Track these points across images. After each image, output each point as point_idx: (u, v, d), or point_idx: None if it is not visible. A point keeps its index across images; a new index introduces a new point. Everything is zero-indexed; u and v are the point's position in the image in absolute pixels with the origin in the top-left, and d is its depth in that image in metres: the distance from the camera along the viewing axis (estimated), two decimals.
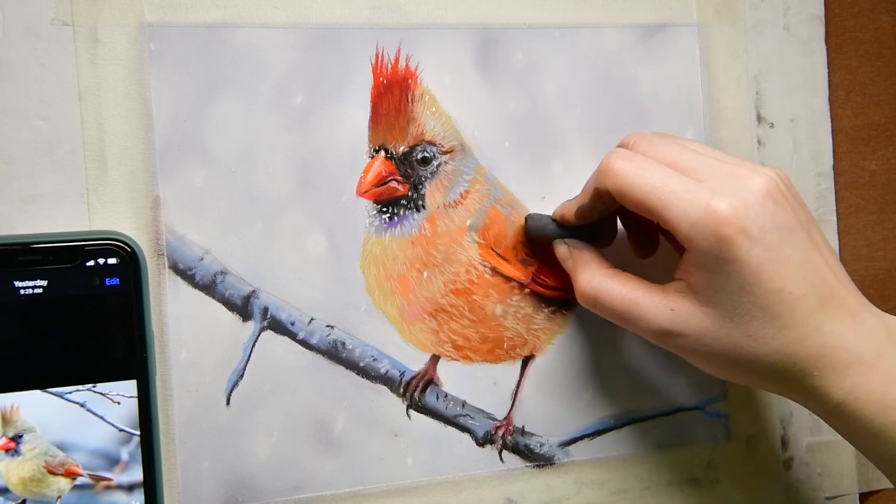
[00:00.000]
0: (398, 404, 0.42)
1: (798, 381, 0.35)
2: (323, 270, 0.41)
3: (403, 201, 0.42)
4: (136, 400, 0.37)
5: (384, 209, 0.42)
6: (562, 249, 0.41)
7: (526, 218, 0.42)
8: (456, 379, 0.43)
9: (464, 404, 0.43)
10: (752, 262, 0.33)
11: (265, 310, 0.40)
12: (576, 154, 0.44)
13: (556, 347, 0.44)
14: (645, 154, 0.37)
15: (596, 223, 0.41)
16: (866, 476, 0.50)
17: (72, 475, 0.36)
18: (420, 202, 0.42)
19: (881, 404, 0.34)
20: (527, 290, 0.43)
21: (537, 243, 0.43)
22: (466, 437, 0.43)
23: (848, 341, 0.34)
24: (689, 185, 0.34)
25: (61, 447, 0.36)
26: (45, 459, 0.36)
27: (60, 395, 0.36)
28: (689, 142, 0.38)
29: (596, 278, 0.39)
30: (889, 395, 0.34)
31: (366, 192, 0.41)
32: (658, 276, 0.39)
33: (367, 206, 0.41)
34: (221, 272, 0.40)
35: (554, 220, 0.42)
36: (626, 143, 0.38)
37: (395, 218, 0.42)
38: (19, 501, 0.36)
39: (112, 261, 0.36)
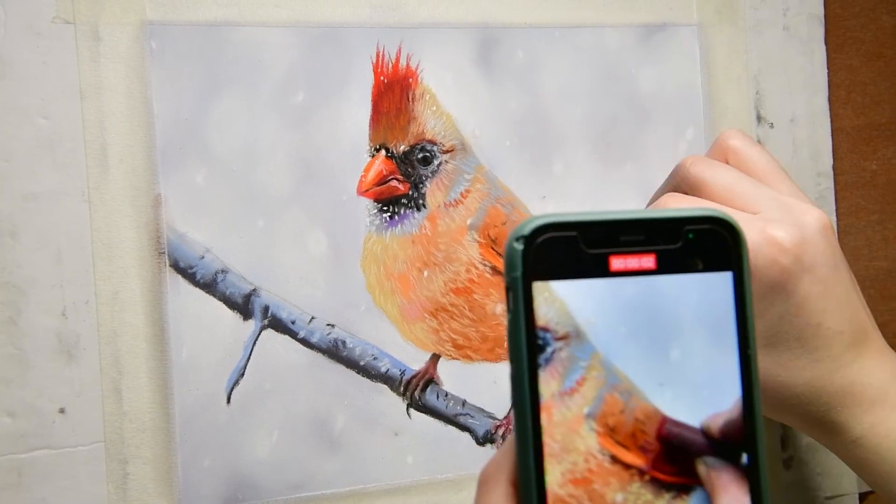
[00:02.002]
0: (398, 403, 0.42)
1: (820, 415, 0.35)
2: (323, 269, 0.41)
3: (404, 200, 0.42)
4: None
5: (385, 208, 0.42)
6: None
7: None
8: (456, 378, 0.43)
9: (464, 403, 0.43)
10: (799, 294, 0.34)
11: (266, 308, 0.40)
12: (576, 153, 0.44)
13: None
14: (701, 176, 0.37)
15: None
16: None
17: None
18: (421, 201, 0.42)
19: None
20: None
21: None
22: (467, 436, 0.43)
23: (875, 378, 0.35)
24: (742, 215, 0.35)
25: None
26: None
27: None
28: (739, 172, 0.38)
29: None
30: None
31: (366, 190, 0.41)
32: None
33: (367, 205, 0.42)
34: (222, 270, 0.40)
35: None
36: (684, 165, 0.38)
37: (396, 217, 0.42)
38: None
39: (712, 242, 0.31)
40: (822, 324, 0.34)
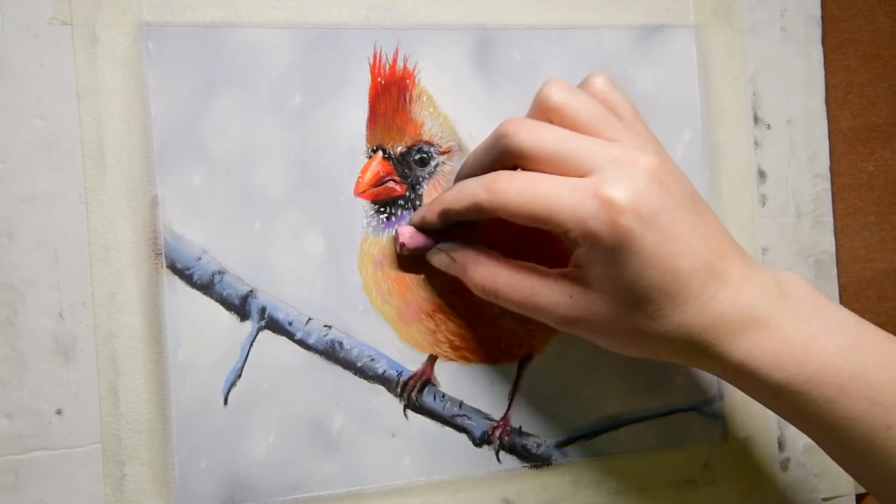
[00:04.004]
0: (395, 404, 0.42)
1: (700, 351, 0.35)
2: (321, 270, 0.41)
3: (401, 201, 0.42)
4: None
5: (382, 209, 0.42)
6: (439, 258, 0.40)
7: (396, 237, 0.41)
8: (453, 379, 0.43)
9: (461, 404, 0.43)
10: (646, 247, 0.33)
11: (263, 309, 0.40)
12: None
13: (554, 348, 0.44)
14: (524, 146, 0.35)
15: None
16: None
17: None
18: (418, 202, 0.42)
19: (777, 360, 0.34)
20: None
21: (529, 244, 0.43)
22: (464, 437, 0.43)
23: (740, 304, 0.35)
24: (574, 184, 0.34)
25: None
26: None
27: None
28: (571, 114, 0.36)
29: (490, 272, 0.38)
30: (784, 349, 0.34)
31: (363, 192, 0.41)
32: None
33: (364, 207, 0.42)
34: (219, 272, 0.40)
35: (414, 226, 0.40)
36: (505, 134, 0.36)
37: (393, 218, 0.42)
38: None
39: None
40: (678, 268, 0.34)
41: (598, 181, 0.33)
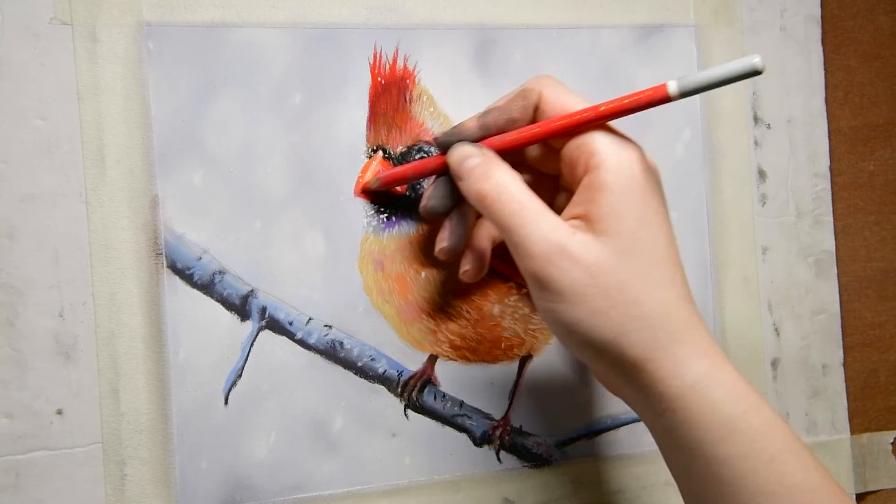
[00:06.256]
0: (396, 404, 0.42)
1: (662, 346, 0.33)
2: (321, 270, 0.41)
3: (401, 201, 0.42)
4: None
5: (382, 209, 0.42)
6: (466, 149, 0.36)
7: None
8: (454, 379, 0.43)
9: (461, 404, 0.43)
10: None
11: (263, 309, 0.40)
12: None
13: (554, 348, 0.44)
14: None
15: None
16: (863, 476, 0.50)
17: None
18: (418, 202, 0.42)
19: (734, 393, 0.32)
20: (524, 291, 0.44)
21: None
22: (464, 437, 0.43)
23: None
24: (544, 227, 0.33)
25: None
26: None
27: None
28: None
29: (505, 175, 0.34)
30: (741, 385, 0.33)
31: (364, 191, 0.41)
32: None
33: (364, 206, 0.42)
34: (220, 272, 0.40)
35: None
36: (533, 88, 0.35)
37: (393, 218, 0.42)
38: None
39: None
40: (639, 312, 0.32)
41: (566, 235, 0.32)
